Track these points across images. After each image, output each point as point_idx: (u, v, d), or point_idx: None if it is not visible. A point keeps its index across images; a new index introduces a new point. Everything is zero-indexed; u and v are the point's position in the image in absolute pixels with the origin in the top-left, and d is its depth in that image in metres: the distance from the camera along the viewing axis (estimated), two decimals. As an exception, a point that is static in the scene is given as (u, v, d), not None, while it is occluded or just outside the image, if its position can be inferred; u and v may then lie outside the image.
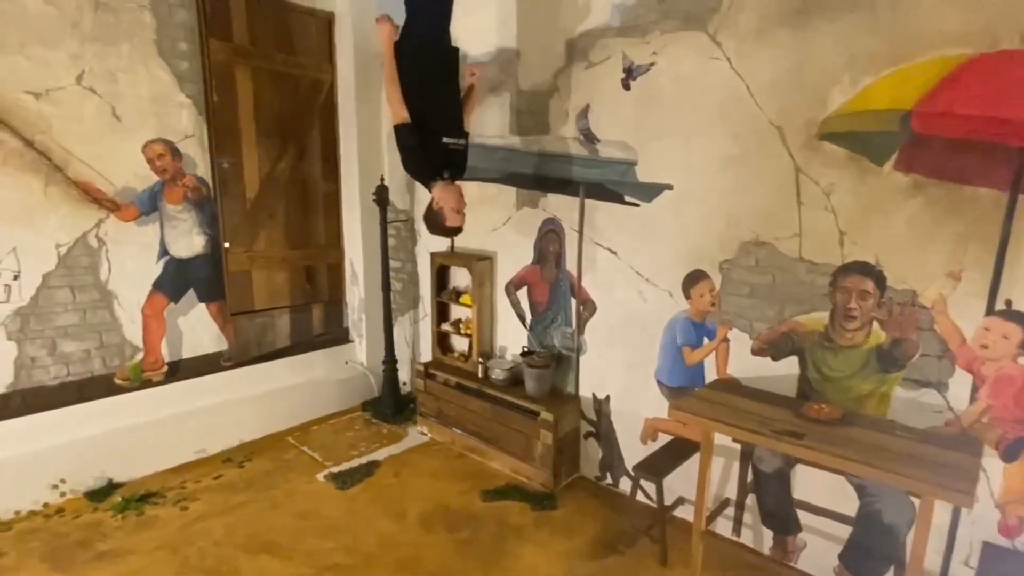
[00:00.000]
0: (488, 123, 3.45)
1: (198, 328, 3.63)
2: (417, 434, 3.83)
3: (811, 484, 2.44)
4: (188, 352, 3.61)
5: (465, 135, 2.85)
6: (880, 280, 2.17)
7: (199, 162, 3.51)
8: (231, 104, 3.59)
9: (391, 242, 4.10)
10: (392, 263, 4.15)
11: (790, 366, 2.44)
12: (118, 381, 3.33)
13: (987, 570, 1.96)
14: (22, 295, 2.97)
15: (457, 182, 2.80)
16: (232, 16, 3.52)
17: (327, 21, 3.99)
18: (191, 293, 3.58)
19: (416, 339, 4.33)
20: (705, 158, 2.56)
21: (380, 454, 3.56)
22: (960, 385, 2.06)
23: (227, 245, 3.66)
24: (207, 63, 3.43)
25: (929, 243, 2.05)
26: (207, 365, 3.68)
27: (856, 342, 2.25)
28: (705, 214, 2.60)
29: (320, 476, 3.29)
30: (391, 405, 4.08)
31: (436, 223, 2.78)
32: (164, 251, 3.45)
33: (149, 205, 3.35)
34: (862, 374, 2.25)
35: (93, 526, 2.82)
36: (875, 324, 2.20)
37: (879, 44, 2.06)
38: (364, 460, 3.47)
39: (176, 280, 3.51)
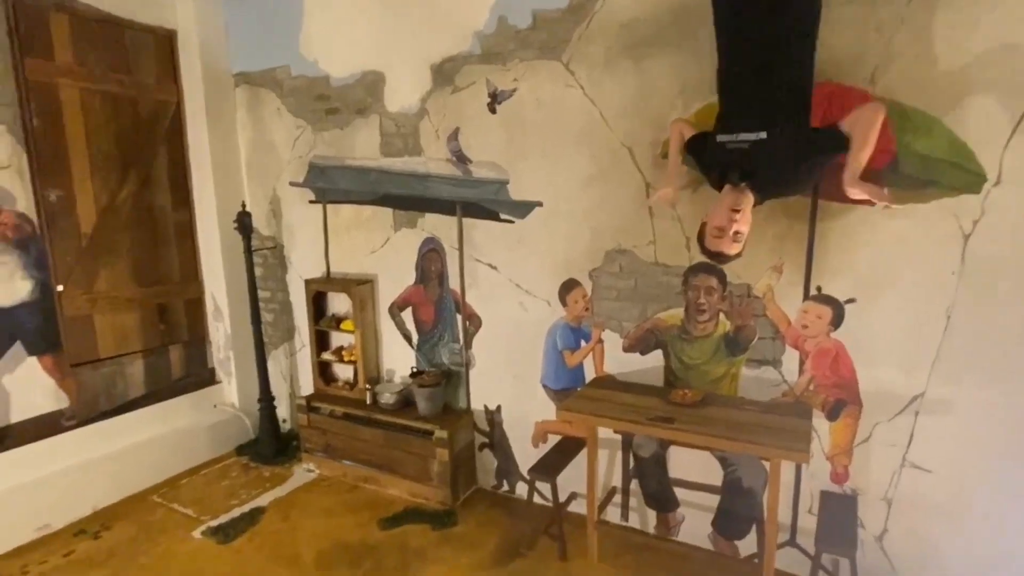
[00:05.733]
0: (358, 145, 3.42)
1: (29, 386, 3.14)
2: (304, 472, 3.64)
3: (683, 462, 2.73)
4: (18, 415, 3.11)
5: None
6: (722, 277, 2.50)
7: (20, 196, 3.06)
8: (56, 129, 3.18)
9: (258, 271, 3.86)
10: (261, 293, 3.91)
11: (656, 359, 2.72)
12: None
13: (825, 514, 2.33)
14: None
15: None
16: (52, 33, 3.13)
17: (168, 39, 3.69)
18: (17, 346, 3.09)
19: (294, 372, 4.11)
20: (569, 177, 2.78)
21: (264, 499, 3.33)
22: (791, 360, 2.44)
23: (60, 288, 3.22)
24: (23, 84, 3.02)
25: (757, 243, 2.38)
26: (44, 427, 3.18)
27: (707, 332, 2.57)
28: (573, 227, 2.82)
29: (197, 533, 3.00)
30: (271, 445, 3.83)
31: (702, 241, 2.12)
32: (-23, 301, 2.95)
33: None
34: (715, 359, 2.58)
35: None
36: (721, 315, 2.54)
37: (704, 73, 2.37)
38: (247, 508, 3.22)
39: (-5, 333, 3.02)
